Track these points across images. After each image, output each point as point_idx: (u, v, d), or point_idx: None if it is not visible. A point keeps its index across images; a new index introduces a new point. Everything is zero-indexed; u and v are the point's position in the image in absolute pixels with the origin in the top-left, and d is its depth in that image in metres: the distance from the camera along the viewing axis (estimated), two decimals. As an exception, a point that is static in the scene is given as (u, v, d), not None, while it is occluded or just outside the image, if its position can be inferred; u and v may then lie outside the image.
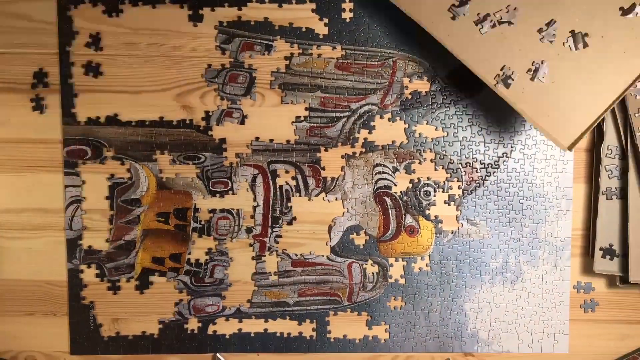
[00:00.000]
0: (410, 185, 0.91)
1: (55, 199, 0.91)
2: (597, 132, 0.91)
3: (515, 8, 0.77)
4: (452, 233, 0.92)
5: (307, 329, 0.93)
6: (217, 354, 0.93)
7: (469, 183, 0.92)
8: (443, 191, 0.91)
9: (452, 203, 0.92)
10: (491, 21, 0.78)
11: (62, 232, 0.91)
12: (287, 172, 0.91)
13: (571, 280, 0.93)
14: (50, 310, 0.92)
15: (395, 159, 0.91)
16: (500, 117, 0.91)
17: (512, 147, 0.91)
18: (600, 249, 0.90)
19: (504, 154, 0.91)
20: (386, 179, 0.91)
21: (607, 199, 0.90)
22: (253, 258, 0.92)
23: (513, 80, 0.78)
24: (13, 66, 0.89)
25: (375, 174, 0.91)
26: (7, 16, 0.88)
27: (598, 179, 0.90)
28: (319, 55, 0.90)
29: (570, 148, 0.76)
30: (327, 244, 0.92)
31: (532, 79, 0.77)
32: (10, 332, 0.93)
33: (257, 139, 0.91)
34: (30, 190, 0.91)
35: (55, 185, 0.91)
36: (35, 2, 0.88)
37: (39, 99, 0.89)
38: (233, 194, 0.91)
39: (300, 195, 0.91)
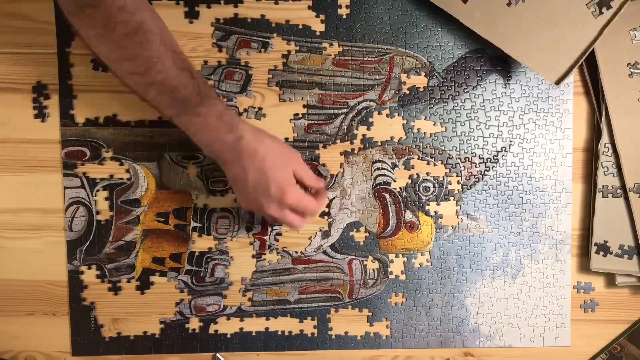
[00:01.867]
0: (410, 181, 0.91)
1: (55, 199, 0.91)
2: (596, 131, 0.91)
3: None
4: (452, 228, 0.92)
5: (309, 327, 0.93)
6: (217, 354, 0.93)
7: (468, 178, 0.92)
8: (442, 186, 0.92)
9: (452, 198, 0.92)
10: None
11: (62, 232, 0.91)
12: (286, 169, 0.91)
13: (571, 280, 0.93)
14: (50, 310, 0.92)
15: (394, 155, 0.91)
16: (498, 111, 0.91)
17: (510, 141, 0.91)
18: (595, 244, 0.90)
19: (503, 148, 0.91)
20: (385, 175, 0.91)
21: (603, 196, 0.90)
22: (253, 256, 0.92)
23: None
24: (13, 66, 0.89)
25: (374, 170, 0.91)
26: (7, 16, 0.88)
27: (595, 176, 0.90)
28: (316, 52, 0.90)
29: (557, 83, 0.84)
30: (325, 241, 0.92)
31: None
32: (10, 332, 0.92)
33: (255, 137, 0.91)
34: (30, 190, 0.90)
35: (55, 185, 0.90)
36: (35, 2, 0.88)
37: (42, 107, 0.89)
38: (232, 193, 0.91)
39: (299, 193, 0.91)
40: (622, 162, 0.88)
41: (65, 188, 0.90)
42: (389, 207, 0.92)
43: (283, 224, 0.87)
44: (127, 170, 0.91)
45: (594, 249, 0.90)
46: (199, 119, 0.75)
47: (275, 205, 0.78)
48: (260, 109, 0.90)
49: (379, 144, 0.91)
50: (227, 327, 0.93)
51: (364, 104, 0.91)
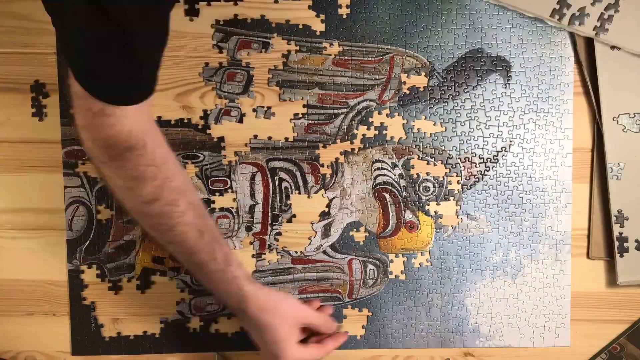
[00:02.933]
0: (410, 180, 0.91)
1: (55, 199, 0.91)
2: (597, 131, 0.91)
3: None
4: (452, 228, 0.92)
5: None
6: (217, 354, 0.93)
7: (468, 178, 0.92)
8: (442, 186, 0.92)
9: (452, 198, 0.92)
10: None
11: (62, 232, 0.91)
12: (286, 169, 0.91)
13: (571, 280, 0.93)
14: (50, 310, 0.92)
15: (394, 155, 0.91)
16: (498, 111, 0.91)
17: (510, 141, 0.91)
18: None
19: (503, 148, 0.91)
20: (385, 175, 0.91)
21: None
22: (253, 256, 0.92)
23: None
24: (13, 66, 0.89)
25: (374, 170, 0.91)
26: (7, 16, 0.88)
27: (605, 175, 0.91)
28: (317, 52, 0.90)
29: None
30: (324, 240, 0.92)
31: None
32: (10, 332, 0.93)
33: (255, 137, 0.91)
34: (30, 190, 0.91)
35: (55, 185, 0.90)
36: (34, 2, 0.88)
37: (41, 105, 0.89)
38: (232, 192, 0.91)
39: (299, 193, 0.91)
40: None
41: (65, 187, 0.90)
42: (389, 207, 0.92)
43: None
44: (127, 170, 0.90)
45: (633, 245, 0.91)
46: (208, 284, 0.79)
47: None
48: (269, 107, 0.90)
49: (379, 143, 0.91)
50: (227, 326, 0.93)
51: (364, 104, 0.91)
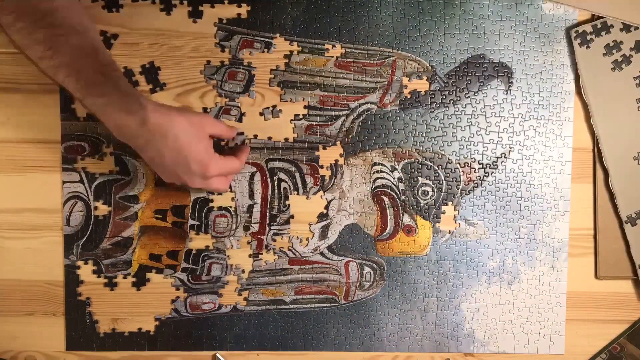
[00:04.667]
0: (409, 184, 0.91)
1: (54, 199, 0.90)
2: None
3: None
4: (450, 233, 0.92)
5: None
6: (217, 354, 0.93)
7: (467, 183, 0.92)
8: (441, 191, 0.92)
9: (450, 203, 0.92)
10: None
11: (61, 232, 0.91)
12: (285, 170, 0.91)
13: (571, 280, 0.93)
14: (49, 310, 0.92)
15: (393, 158, 0.91)
16: (499, 117, 0.91)
17: (510, 147, 0.91)
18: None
19: (503, 155, 0.91)
20: (384, 178, 0.91)
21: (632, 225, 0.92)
22: (250, 256, 0.92)
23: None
24: (13, 66, 0.89)
25: (374, 173, 0.91)
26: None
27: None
28: (319, 54, 0.90)
29: None
30: (320, 242, 0.92)
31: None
32: (10, 332, 0.92)
33: (255, 136, 0.91)
34: (29, 190, 0.90)
35: (55, 185, 0.90)
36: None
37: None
38: (231, 191, 0.91)
39: (298, 194, 0.91)
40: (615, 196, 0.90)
41: (64, 182, 0.90)
42: (387, 210, 0.92)
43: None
44: (127, 167, 0.90)
45: None
46: (102, 100, 0.72)
47: (199, 178, 0.79)
48: (274, 106, 0.90)
49: (379, 147, 0.91)
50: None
51: (365, 107, 0.91)
